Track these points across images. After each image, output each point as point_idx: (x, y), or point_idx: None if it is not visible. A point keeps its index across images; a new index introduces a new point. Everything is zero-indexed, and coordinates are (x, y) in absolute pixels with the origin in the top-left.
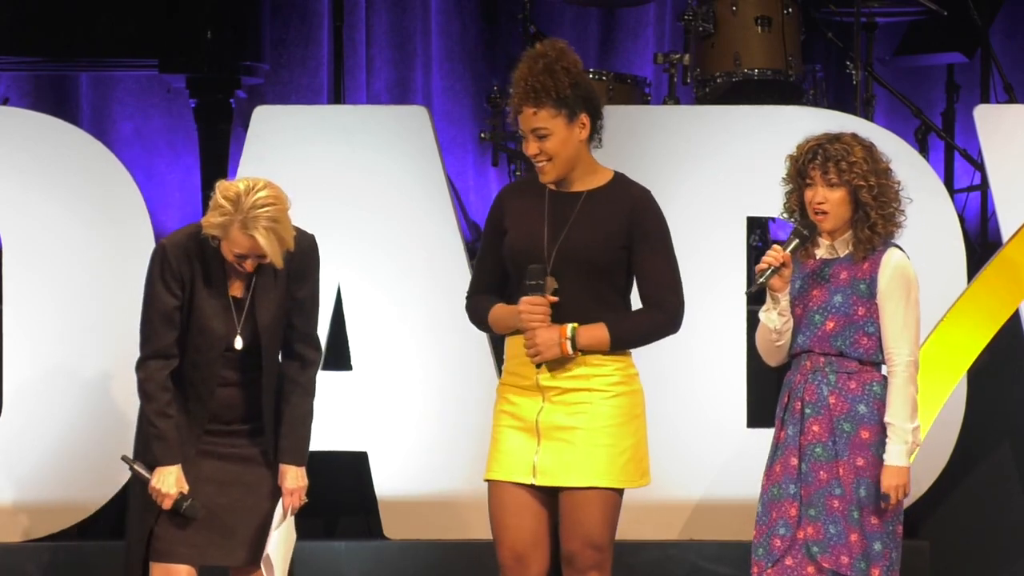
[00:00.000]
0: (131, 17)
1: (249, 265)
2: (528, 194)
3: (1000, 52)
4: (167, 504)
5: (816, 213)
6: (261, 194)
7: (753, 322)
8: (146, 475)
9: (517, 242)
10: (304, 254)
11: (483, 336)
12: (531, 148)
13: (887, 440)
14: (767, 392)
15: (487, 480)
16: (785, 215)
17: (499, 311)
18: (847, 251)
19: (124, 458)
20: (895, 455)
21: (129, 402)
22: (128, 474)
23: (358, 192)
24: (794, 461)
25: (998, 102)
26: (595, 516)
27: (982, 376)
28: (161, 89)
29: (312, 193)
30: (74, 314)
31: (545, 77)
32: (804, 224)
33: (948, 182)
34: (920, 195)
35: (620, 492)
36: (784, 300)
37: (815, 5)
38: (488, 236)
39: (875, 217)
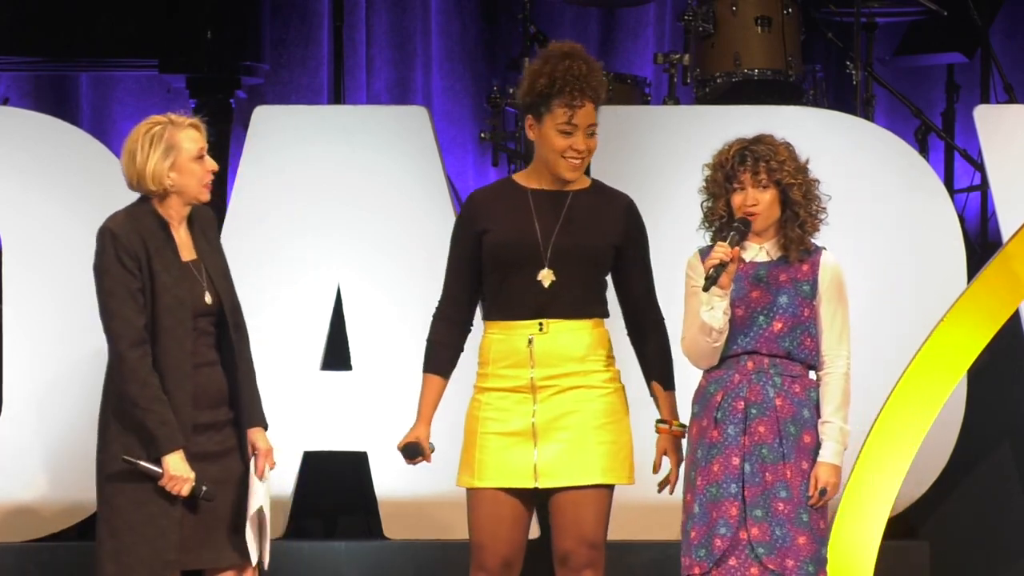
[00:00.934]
0: (131, 17)
1: (213, 162)
2: (505, 195)
3: (1000, 52)
4: (186, 490)
5: (749, 215)
6: (155, 115)
7: None
8: (156, 470)
9: (505, 237)
10: (213, 220)
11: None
12: (581, 143)
13: (823, 438)
14: None
15: (473, 488)
16: (706, 225)
17: (427, 389)
18: (780, 253)
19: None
20: (831, 453)
21: None
22: None
23: (358, 192)
24: (736, 461)
25: (998, 102)
26: (592, 514)
27: (982, 376)
28: (161, 89)
29: (312, 193)
30: (74, 314)
31: (600, 77)
32: (740, 220)
33: (948, 182)
34: (920, 195)
35: (612, 489)
36: (727, 300)
37: (815, 5)
38: (462, 241)
39: (804, 216)
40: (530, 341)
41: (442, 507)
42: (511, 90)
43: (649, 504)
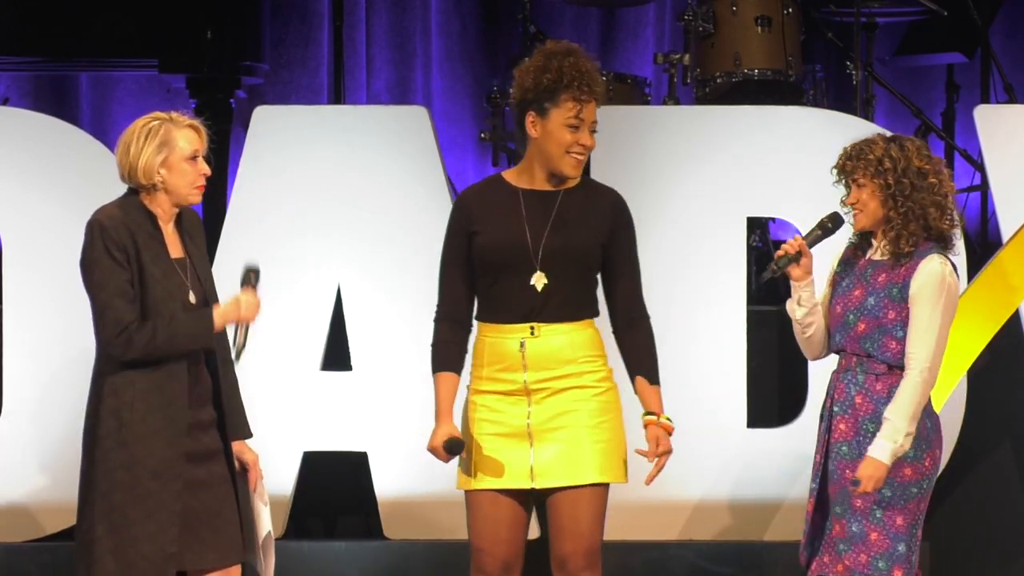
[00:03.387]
0: (131, 17)
1: (205, 165)
2: (495, 193)
3: (1000, 52)
4: (256, 313)
5: (854, 213)
6: (159, 111)
7: (753, 322)
8: (241, 337)
9: (495, 239)
10: (199, 223)
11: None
12: (587, 139)
13: (878, 433)
14: (767, 393)
15: (470, 490)
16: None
17: (443, 387)
18: (890, 253)
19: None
20: (880, 449)
21: None
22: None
23: (358, 192)
24: (818, 458)
25: (998, 102)
26: (589, 515)
27: (982, 376)
28: (161, 89)
29: (312, 193)
30: (74, 314)
31: (600, 76)
32: (830, 216)
33: None
34: None
35: (608, 487)
36: (805, 291)
37: (815, 5)
38: (454, 241)
39: (894, 216)
40: (522, 345)
41: (442, 507)
42: (511, 90)
43: (646, 504)
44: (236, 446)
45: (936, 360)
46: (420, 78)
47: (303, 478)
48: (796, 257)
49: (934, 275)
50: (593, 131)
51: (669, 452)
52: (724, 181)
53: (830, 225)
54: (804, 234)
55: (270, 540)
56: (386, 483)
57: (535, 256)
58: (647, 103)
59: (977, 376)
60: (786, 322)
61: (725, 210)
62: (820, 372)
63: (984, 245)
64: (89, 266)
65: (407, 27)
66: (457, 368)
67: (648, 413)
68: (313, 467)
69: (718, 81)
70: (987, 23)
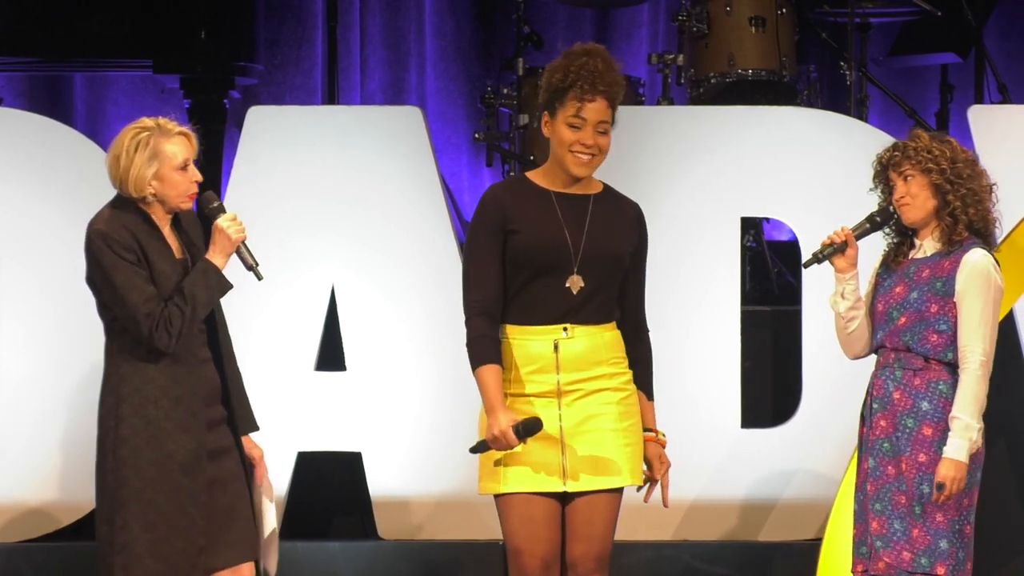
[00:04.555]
0: (125, 17)
1: (196, 172)
2: (529, 194)
3: (994, 52)
4: (242, 228)
5: (901, 208)
6: (148, 117)
7: (747, 322)
8: (250, 259)
9: (535, 241)
10: (196, 222)
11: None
12: (590, 138)
13: (950, 433)
14: (761, 393)
15: (501, 493)
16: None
17: (491, 380)
18: (935, 249)
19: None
20: (955, 449)
21: None
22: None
23: (352, 193)
24: (865, 465)
25: (992, 102)
26: (605, 518)
27: None
28: (155, 90)
29: (306, 194)
30: (69, 314)
31: (619, 78)
32: (880, 210)
33: None
34: None
35: (623, 491)
36: (849, 284)
37: (809, 5)
38: (487, 237)
39: (953, 200)
40: (556, 346)
41: (436, 507)
42: (505, 90)
43: (643, 504)
44: (244, 441)
45: (991, 352)
46: (414, 79)
47: (297, 478)
48: (842, 247)
49: (980, 268)
50: (603, 132)
51: (669, 466)
52: (718, 181)
53: (879, 219)
54: (852, 227)
55: (274, 536)
56: (380, 483)
57: (574, 258)
58: (641, 103)
59: None
60: (780, 322)
61: (719, 210)
62: (815, 372)
63: None
64: (107, 274)
65: (401, 28)
66: (500, 361)
67: (646, 430)
68: (307, 467)
69: (712, 81)
70: (981, 23)
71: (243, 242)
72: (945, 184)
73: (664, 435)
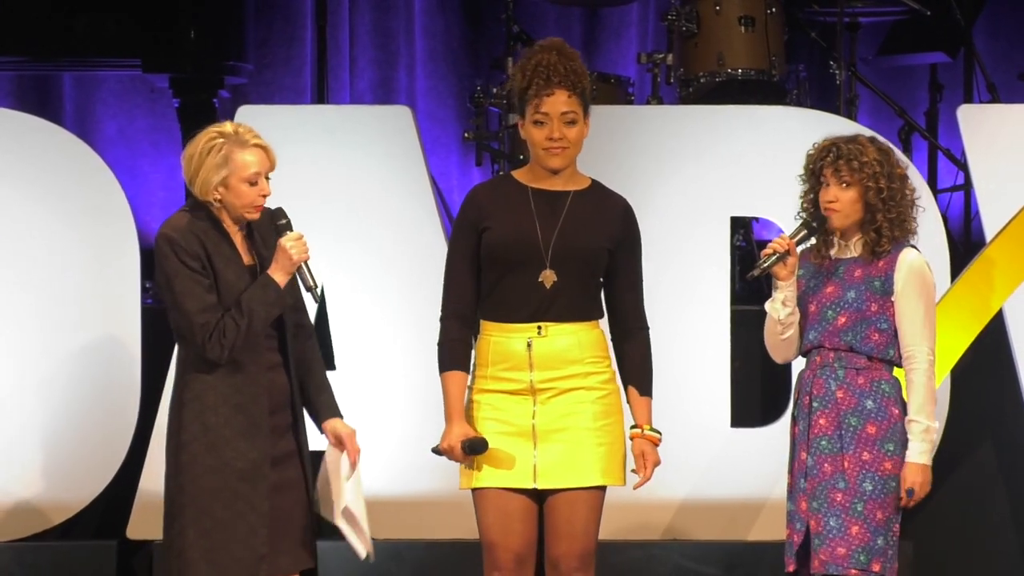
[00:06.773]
0: (114, 17)
1: (266, 186)
2: (506, 191)
3: (983, 52)
4: (305, 248)
5: (827, 212)
6: (230, 122)
7: (737, 322)
8: (308, 278)
9: (505, 236)
10: (270, 225)
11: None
12: (555, 131)
13: (909, 437)
14: (750, 392)
15: (476, 488)
16: (802, 215)
17: (454, 387)
18: (862, 251)
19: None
20: (918, 453)
21: (112, 402)
22: (109, 478)
23: (341, 192)
24: (804, 456)
25: (981, 102)
26: (586, 516)
27: (966, 376)
28: (144, 89)
29: (295, 193)
30: (57, 314)
31: (578, 67)
32: (813, 216)
33: (932, 182)
34: None
35: (605, 490)
36: (789, 291)
37: (798, 5)
38: (463, 238)
39: (881, 220)
40: (529, 344)
41: (428, 507)
42: (494, 90)
43: (632, 504)
44: (331, 423)
45: (934, 349)
46: (403, 78)
47: None
48: (784, 256)
49: (917, 268)
50: (569, 122)
51: (657, 463)
52: (707, 180)
53: (814, 224)
54: (790, 233)
55: (352, 514)
56: (370, 483)
57: (545, 253)
58: (630, 103)
59: (960, 376)
60: None
61: (708, 209)
62: None
63: (967, 245)
64: (169, 279)
65: (390, 27)
66: (466, 367)
67: (634, 426)
68: None
69: (701, 81)
70: (970, 23)
71: (305, 262)
72: (878, 203)
73: (657, 431)
